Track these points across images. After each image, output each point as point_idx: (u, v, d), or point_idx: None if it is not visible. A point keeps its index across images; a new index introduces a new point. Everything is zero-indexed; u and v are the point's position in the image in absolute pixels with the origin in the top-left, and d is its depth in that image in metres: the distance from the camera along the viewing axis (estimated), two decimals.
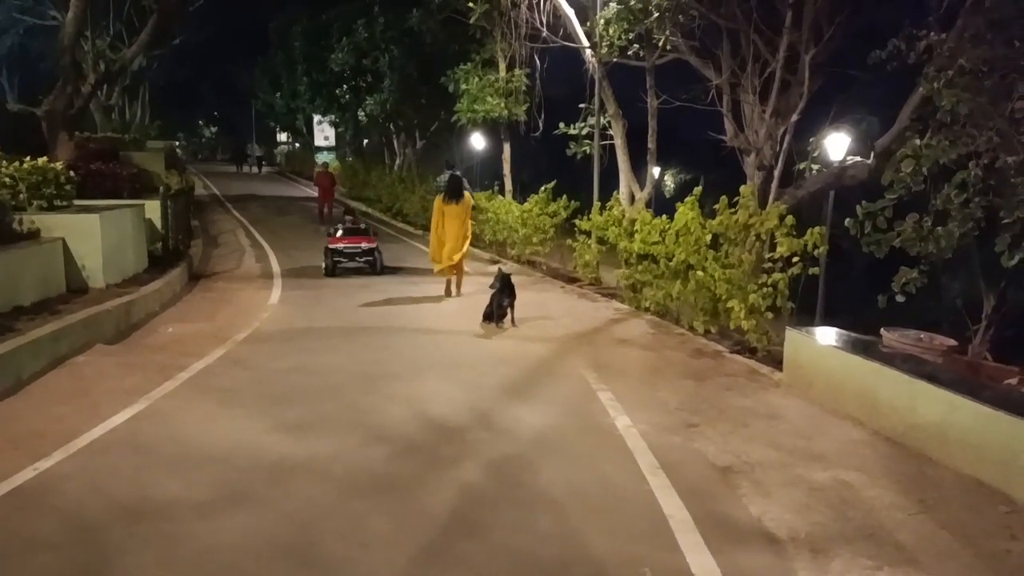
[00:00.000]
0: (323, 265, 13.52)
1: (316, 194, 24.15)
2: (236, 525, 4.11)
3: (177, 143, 47.36)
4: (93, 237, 9.51)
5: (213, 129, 70.41)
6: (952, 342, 6.93)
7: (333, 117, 34.60)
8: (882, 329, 7.03)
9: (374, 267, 13.60)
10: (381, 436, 5.54)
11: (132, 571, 3.64)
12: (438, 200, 11.70)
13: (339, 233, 14.06)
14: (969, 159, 7.52)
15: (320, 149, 40.26)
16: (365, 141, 35.40)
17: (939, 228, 7.64)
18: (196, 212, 21.46)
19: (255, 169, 46.41)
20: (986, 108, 7.09)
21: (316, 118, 37.58)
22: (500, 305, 9.49)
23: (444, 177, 12.45)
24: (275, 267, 14.08)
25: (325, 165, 26.31)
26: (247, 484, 4.65)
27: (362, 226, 15.14)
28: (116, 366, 7.22)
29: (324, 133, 39.34)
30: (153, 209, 12.51)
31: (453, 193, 11.49)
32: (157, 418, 5.83)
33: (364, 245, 13.63)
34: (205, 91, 56.73)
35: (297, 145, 50.28)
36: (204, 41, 36.64)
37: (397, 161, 29.31)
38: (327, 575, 3.65)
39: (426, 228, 19.09)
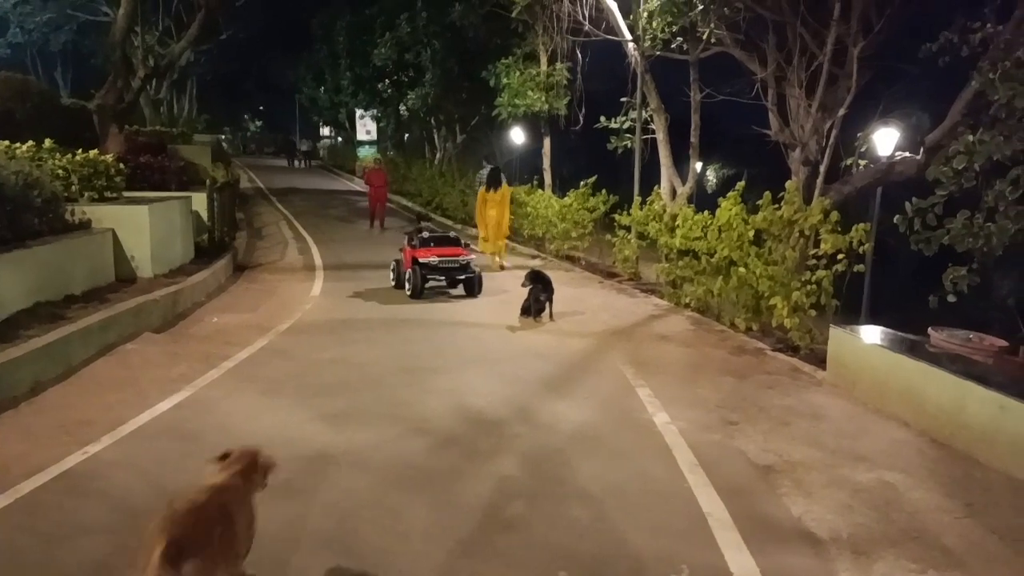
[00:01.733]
0: (394, 280, 11.33)
1: (360, 188, 23.68)
2: (277, 514, 4.17)
3: (223, 137, 48.19)
4: (142, 228, 9.73)
5: (258, 123, 71.46)
6: (1003, 343, 6.73)
7: (375, 111, 34.90)
8: (929, 329, 6.86)
9: (472, 290, 10.96)
10: (420, 428, 5.59)
11: None
12: (481, 191, 13.90)
13: (425, 243, 11.00)
14: None
15: (362, 143, 40.59)
16: (406, 135, 35.64)
17: (990, 224, 7.44)
18: (241, 205, 21.79)
19: (301, 164, 47.09)
20: None
21: (358, 112, 37.88)
22: (538, 300, 9.42)
23: (485, 170, 14.19)
24: (317, 260, 14.25)
25: (378, 161, 22.76)
26: (288, 474, 4.70)
27: (451, 234, 12.20)
28: (163, 354, 7.39)
29: (366, 127, 39.66)
30: (200, 201, 12.76)
31: (492, 182, 13.72)
32: (201, 406, 5.95)
33: (462, 259, 10.78)
34: (250, 86, 57.59)
35: (340, 139, 50.78)
36: (250, 36, 37.18)
37: (437, 155, 29.43)
38: (366, 566, 3.70)
39: (466, 222, 19.25)
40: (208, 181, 13.79)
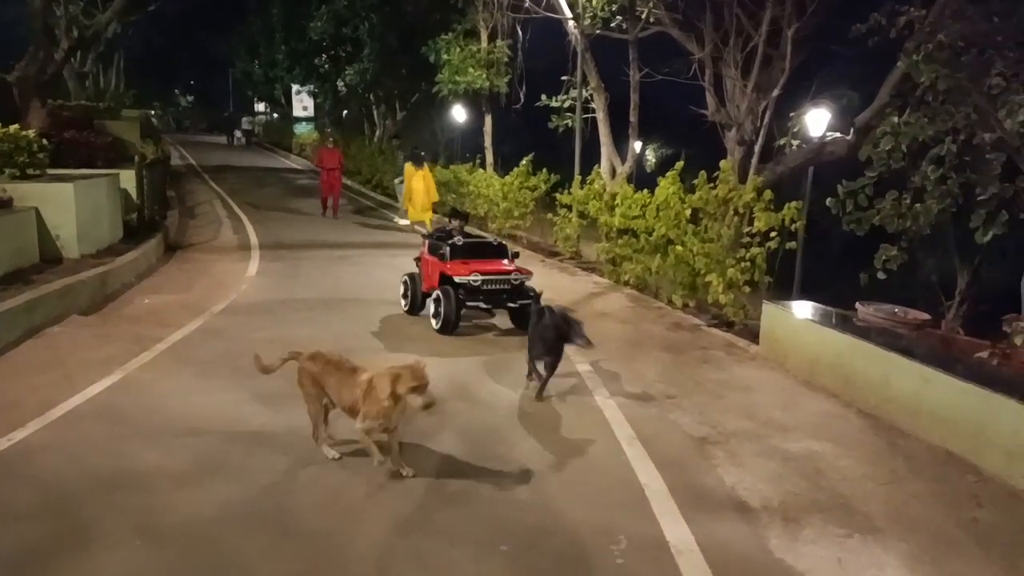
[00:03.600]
0: (407, 303, 8.56)
1: (296, 166, 22.86)
2: (214, 496, 4.10)
3: (153, 112, 46.50)
4: (67, 206, 9.35)
5: (189, 98, 69.19)
6: (926, 316, 7.01)
7: (312, 87, 34.09)
8: (857, 303, 7.10)
9: (522, 318, 7.71)
10: None
11: (109, 541, 3.63)
12: (408, 166, 14.85)
13: (458, 253, 8.09)
14: (947, 136, 7.60)
15: (299, 120, 39.72)
16: (345, 112, 34.95)
17: (917, 205, 7.73)
18: (172, 183, 21.12)
19: (241, 141, 45.68)
20: (964, 84, 7.15)
21: (295, 88, 36.98)
22: (549, 358, 5.86)
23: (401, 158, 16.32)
24: (253, 239, 13.93)
25: (332, 139, 19.87)
26: (225, 455, 4.64)
27: (491, 239, 9.26)
28: (91, 337, 7.15)
29: (303, 103, 38.81)
30: (128, 179, 12.31)
31: (417, 160, 14.89)
32: (134, 389, 5.78)
33: (514, 277, 7.92)
34: (181, 60, 55.64)
35: (275, 115, 49.52)
36: (181, 8, 35.90)
37: (377, 132, 29.00)
38: (306, 546, 3.67)
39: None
40: (137, 158, 13.30)
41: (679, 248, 9.09)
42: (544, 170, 14.71)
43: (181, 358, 6.63)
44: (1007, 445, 4.66)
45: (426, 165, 15.15)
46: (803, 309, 7.18)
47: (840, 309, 7.42)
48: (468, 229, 9.14)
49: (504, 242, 9.04)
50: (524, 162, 14.88)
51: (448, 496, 4.21)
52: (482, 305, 7.90)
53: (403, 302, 8.67)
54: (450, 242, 8.20)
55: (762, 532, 3.95)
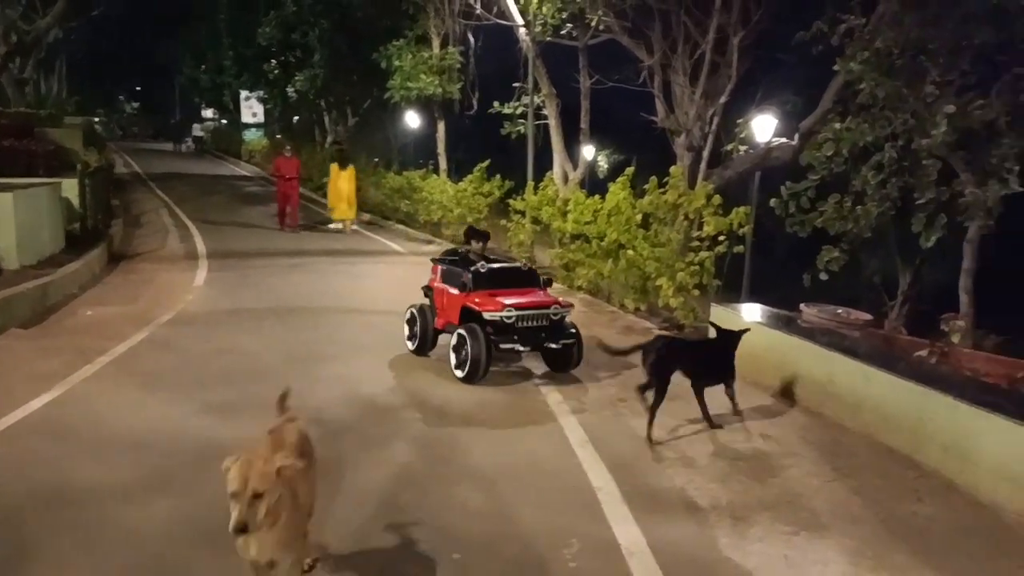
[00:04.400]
0: (414, 341, 7.19)
1: (246, 173, 22.33)
2: (159, 511, 4.02)
3: (96, 119, 45.32)
4: (6, 216, 9.06)
5: (134, 105, 67.59)
6: (868, 316, 7.23)
7: (261, 93, 33.60)
8: (801, 305, 7.28)
9: (569, 362, 6.74)
10: (312, 419, 5.43)
11: (52, 557, 3.53)
12: (334, 167, 16.83)
13: (484, 281, 6.69)
14: (887, 141, 7.82)
15: (248, 126, 39.09)
16: (295, 118, 34.51)
17: (858, 208, 7.94)
18: (117, 191, 20.62)
19: (191, 148, 44.79)
20: (901, 91, 7.38)
21: (243, 94, 36.37)
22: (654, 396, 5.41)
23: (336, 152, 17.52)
24: (201, 248, 13.66)
25: (287, 147, 18.42)
26: (171, 469, 4.55)
27: (520, 264, 7.86)
28: (33, 350, 6.94)
29: (252, 109, 38.13)
30: (71, 188, 11.99)
31: (342, 162, 16.79)
32: (77, 403, 5.63)
33: (554, 310, 6.63)
34: (126, 65, 54.37)
35: (224, 122, 48.67)
36: (125, 13, 35.09)
37: (328, 139, 28.72)
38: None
39: (359, 208, 18.99)
40: (80, 166, 12.95)
41: (630, 253, 9.20)
42: (498, 176, 14.75)
43: (126, 370, 6.47)
44: (944, 440, 4.82)
45: (351, 167, 16.86)
46: (751, 311, 7.32)
47: (786, 311, 7.59)
48: (488, 250, 7.52)
49: (533, 266, 7.96)
50: (478, 168, 14.89)
51: (401, 506, 4.19)
52: (519, 347, 6.49)
53: (409, 342, 7.24)
54: (472, 269, 6.72)
55: (711, 532, 4.01)
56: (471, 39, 17.93)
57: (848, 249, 8.08)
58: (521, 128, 15.32)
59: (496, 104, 15.95)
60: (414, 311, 7.24)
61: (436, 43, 18.73)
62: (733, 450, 5.14)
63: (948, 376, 5.60)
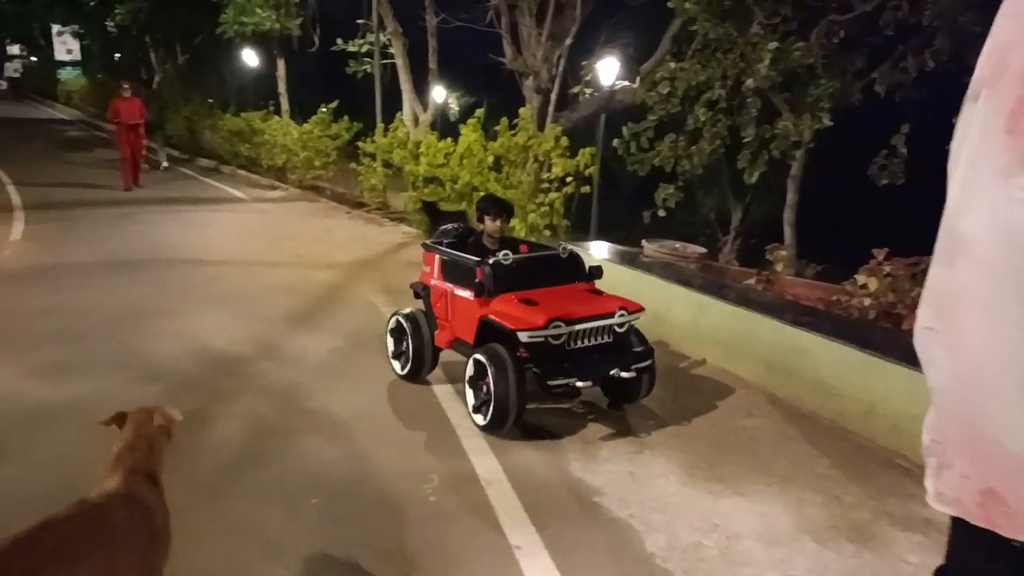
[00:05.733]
0: (404, 364, 5.19)
1: (64, 116, 20.24)
2: None
3: None
4: None
5: None
6: (703, 250, 7.72)
7: (76, 27, 30.52)
8: (643, 240, 7.65)
9: (640, 391, 4.71)
10: (153, 374, 5.22)
11: None
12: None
13: (511, 280, 4.60)
14: (718, 81, 8.26)
15: (63, 64, 35.52)
16: (117, 55, 31.67)
17: (692, 146, 8.38)
18: None
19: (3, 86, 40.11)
20: (731, 33, 7.78)
21: (56, 28, 32.91)
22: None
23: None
24: (16, 200, 12.43)
25: (126, 86, 14.75)
26: (1, 435, 4.22)
27: (559, 249, 5.11)
28: None
29: (67, 46, 34.66)
30: None
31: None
32: None
33: (619, 319, 4.52)
34: None
35: (34, 59, 43.90)
36: None
37: (156, 78, 26.61)
38: None
39: (195, 153, 17.92)
40: None
41: (483, 195, 9.26)
42: (345, 117, 14.30)
43: None
44: (769, 359, 5.30)
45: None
46: (599, 249, 7.61)
47: (631, 247, 7.96)
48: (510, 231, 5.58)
49: (573, 248, 5.33)
50: (324, 109, 14.36)
51: (256, 457, 4.11)
52: (576, 383, 4.32)
53: (395, 363, 5.28)
54: (492, 260, 4.64)
55: (563, 456, 4.23)
56: None
57: (683, 186, 8.55)
58: (367, 67, 14.85)
59: (340, 42, 15.34)
60: (401, 320, 5.18)
61: None
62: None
63: (772, 301, 6.12)
